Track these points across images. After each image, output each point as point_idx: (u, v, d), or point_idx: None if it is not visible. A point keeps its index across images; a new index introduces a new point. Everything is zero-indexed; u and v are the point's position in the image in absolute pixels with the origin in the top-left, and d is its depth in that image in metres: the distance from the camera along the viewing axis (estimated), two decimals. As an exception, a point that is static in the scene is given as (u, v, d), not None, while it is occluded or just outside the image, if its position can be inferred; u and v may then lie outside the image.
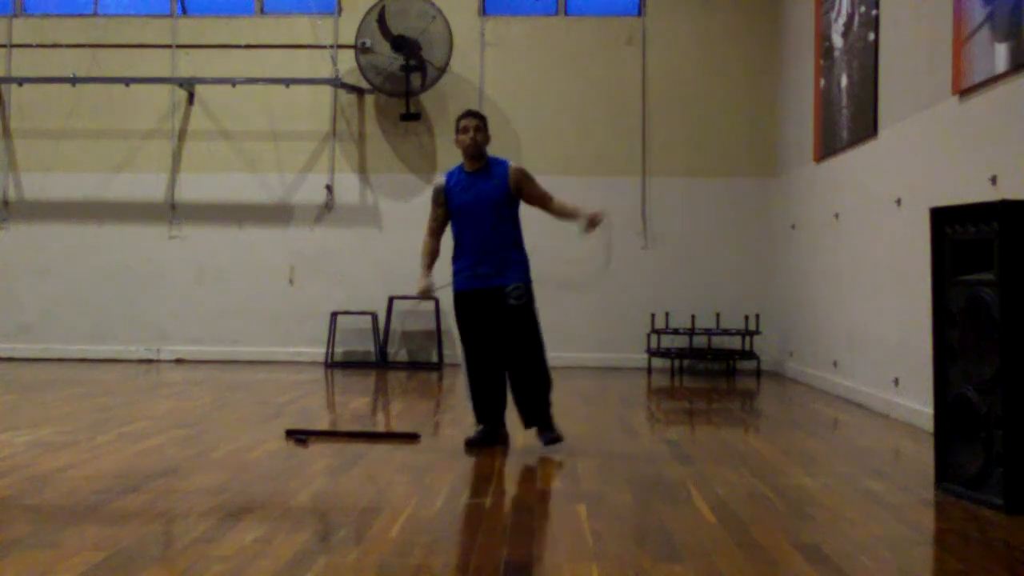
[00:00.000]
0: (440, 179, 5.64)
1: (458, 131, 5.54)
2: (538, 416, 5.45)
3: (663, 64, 10.70)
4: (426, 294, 5.57)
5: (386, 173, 10.82)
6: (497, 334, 5.43)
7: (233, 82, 10.62)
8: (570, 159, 10.55)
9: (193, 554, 3.29)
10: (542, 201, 5.58)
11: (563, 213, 5.58)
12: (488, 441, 5.45)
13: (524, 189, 5.53)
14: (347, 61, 10.70)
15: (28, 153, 11.02)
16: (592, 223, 5.36)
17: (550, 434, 5.40)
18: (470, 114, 5.57)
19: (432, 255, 5.65)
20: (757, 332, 10.15)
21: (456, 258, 5.55)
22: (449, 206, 5.56)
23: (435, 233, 5.66)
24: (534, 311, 5.45)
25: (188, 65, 10.92)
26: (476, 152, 5.51)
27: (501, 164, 5.58)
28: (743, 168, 10.61)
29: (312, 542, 3.49)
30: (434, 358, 10.61)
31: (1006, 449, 3.99)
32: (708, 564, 3.24)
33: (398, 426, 6.35)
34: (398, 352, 10.73)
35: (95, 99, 10.93)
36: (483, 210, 5.46)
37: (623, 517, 3.95)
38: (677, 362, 10.15)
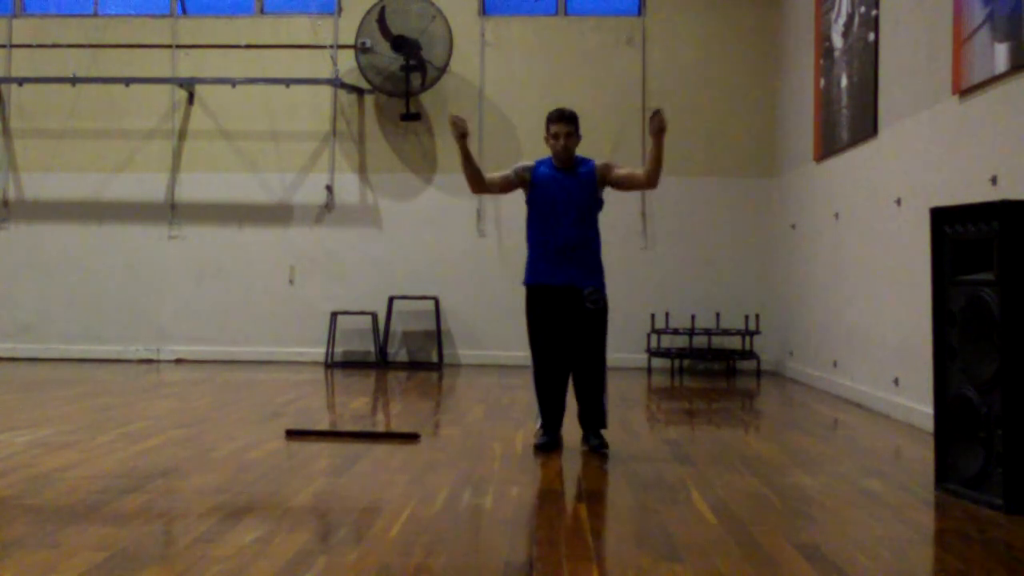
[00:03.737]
0: (529, 162, 5.52)
1: (549, 134, 5.40)
2: (598, 421, 5.39)
3: (663, 64, 10.70)
4: (460, 125, 5.23)
5: (386, 173, 10.82)
6: (567, 335, 5.31)
7: (233, 82, 10.62)
8: (570, 159, 10.54)
9: (193, 554, 3.29)
10: (631, 179, 5.42)
11: (652, 165, 5.26)
12: (555, 445, 5.33)
13: (610, 178, 5.42)
14: (347, 61, 10.70)
15: (28, 153, 11.02)
16: (656, 126, 5.14)
17: (601, 441, 5.34)
18: (561, 119, 5.38)
19: (476, 172, 5.41)
20: (757, 332, 10.15)
21: (534, 250, 5.42)
22: (530, 193, 5.42)
23: (489, 183, 5.46)
24: (607, 318, 5.37)
25: (188, 65, 10.93)
26: (566, 156, 5.40)
27: (587, 164, 5.45)
28: (743, 168, 10.61)
29: (312, 542, 3.49)
30: (434, 358, 10.61)
31: (1006, 449, 3.99)
32: (708, 564, 3.24)
33: (398, 426, 6.34)
34: (398, 352, 10.73)
35: (95, 99, 10.94)
36: (569, 209, 5.34)
37: (623, 517, 3.95)
38: (677, 362, 10.15)
